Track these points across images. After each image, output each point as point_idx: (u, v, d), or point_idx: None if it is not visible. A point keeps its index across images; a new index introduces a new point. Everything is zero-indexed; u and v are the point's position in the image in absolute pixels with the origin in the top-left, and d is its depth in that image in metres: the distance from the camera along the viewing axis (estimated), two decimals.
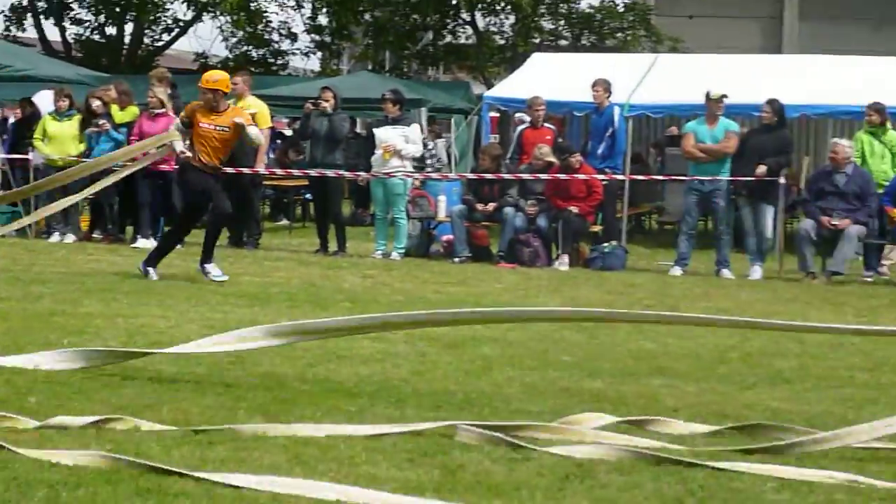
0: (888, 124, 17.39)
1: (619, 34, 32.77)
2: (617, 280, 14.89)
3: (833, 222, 15.30)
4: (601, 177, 16.85)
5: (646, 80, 21.10)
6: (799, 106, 19.02)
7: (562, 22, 33.14)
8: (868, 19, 35.66)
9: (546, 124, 18.20)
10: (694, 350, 9.49)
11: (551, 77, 21.17)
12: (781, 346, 9.76)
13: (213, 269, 12.93)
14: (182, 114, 13.33)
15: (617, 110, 17.81)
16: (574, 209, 16.20)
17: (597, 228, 17.11)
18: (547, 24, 33.17)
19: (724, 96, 16.30)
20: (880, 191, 16.11)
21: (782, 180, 15.93)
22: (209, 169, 12.85)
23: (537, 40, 32.02)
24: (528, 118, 18.83)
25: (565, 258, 16.18)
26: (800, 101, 19.06)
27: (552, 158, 16.81)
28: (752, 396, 7.60)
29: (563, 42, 32.85)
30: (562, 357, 8.95)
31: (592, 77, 17.84)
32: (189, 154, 12.73)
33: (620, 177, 18.04)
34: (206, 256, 13.02)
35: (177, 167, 14.32)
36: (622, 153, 18.13)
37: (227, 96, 13.20)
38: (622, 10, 33.02)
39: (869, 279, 15.97)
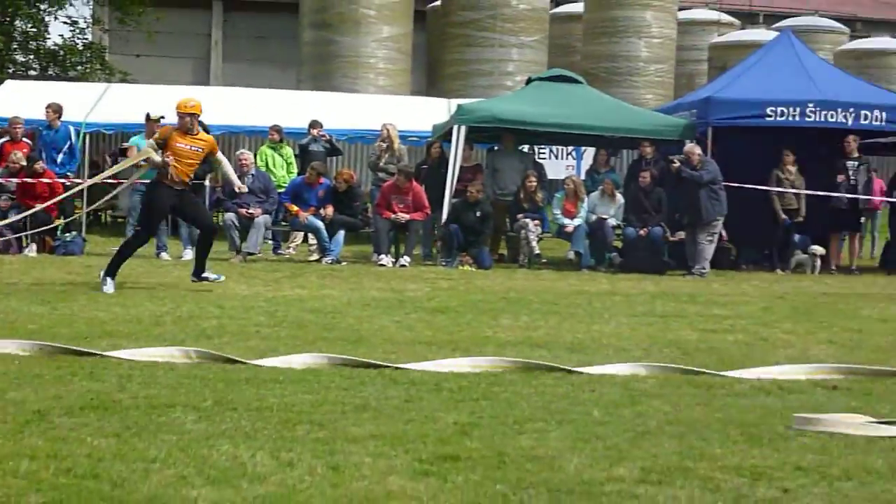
0: (285, 141, 18.02)
1: (79, 67, 31.80)
2: (77, 263, 14.30)
3: (250, 211, 15.44)
4: (63, 180, 16.21)
5: (100, 104, 20.68)
6: (221, 126, 19.14)
7: (31, 56, 31.85)
8: (276, 62, 36.46)
9: (24, 139, 17.33)
10: (136, 316, 9.23)
11: (23, 101, 20.13)
12: (205, 311, 9.70)
13: (209, 274, 11.68)
14: (156, 135, 11.83)
15: (72, 128, 17.38)
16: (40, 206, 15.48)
17: (59, 222, 16.39)
18: (19, 58, 31.79)
19: (162, 117, 16.07)
20: (281, 190, 16.50)
21: (208, 183, 15.94)
22: (178, 185, 11.47)
23: (11, 70, 30.49)
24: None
25: (33, 246, 15.43)
26: (222, 122, 19.19)
27: (24, 163, 15.99)
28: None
29: (32, 72, 31.54)
30: (28, 326, 8.48)
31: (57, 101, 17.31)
32: (171, 160, 11.31)
33: (79, 180, 17.51)
34: (201, 267, 11.71)
35: (148, 182, 12.46)
36: (78, 161, 17.71)
37: None
38: (81, 48, 32.10)
39: (275, 257, 16.31)
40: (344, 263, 15.53)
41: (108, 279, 11.13)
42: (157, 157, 11.43)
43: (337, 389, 6.29)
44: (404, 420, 5.57)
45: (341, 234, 15.91)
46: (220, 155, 12.25)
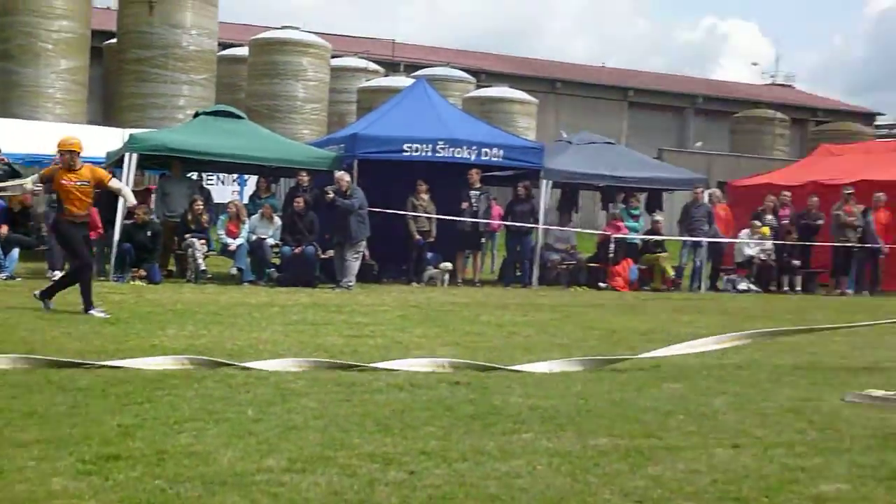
0: None
1: None
2: None
3: None
4: None
5: None
6: None
7: None
8: None
9: None
10: None
11: None
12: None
13: (96, 312, 10.25)
14: (42, 171, 10.74)
15: None
16: None
17: None
18: None
19: None
20: None
21: None
22: (78, 218, 10.61)
23: None
24: None
25: None
26: None
27: None
28: None
29: None
30: None
31: None
32: (40, 189, 10.77)
33: None
34: (88, 303, 10.44)
35: (52, 223, 11.32)
36: None
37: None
38: None
39: None
40: (18, 279, 14.60)
41: (47, 300, 10.68)
42: (29, 186, 10.97)
43: (6, 398, 5.90)
44: (70, 424, 5.29)
45: (16, 251, 14.99)
46: (113, 182, 11.31)
